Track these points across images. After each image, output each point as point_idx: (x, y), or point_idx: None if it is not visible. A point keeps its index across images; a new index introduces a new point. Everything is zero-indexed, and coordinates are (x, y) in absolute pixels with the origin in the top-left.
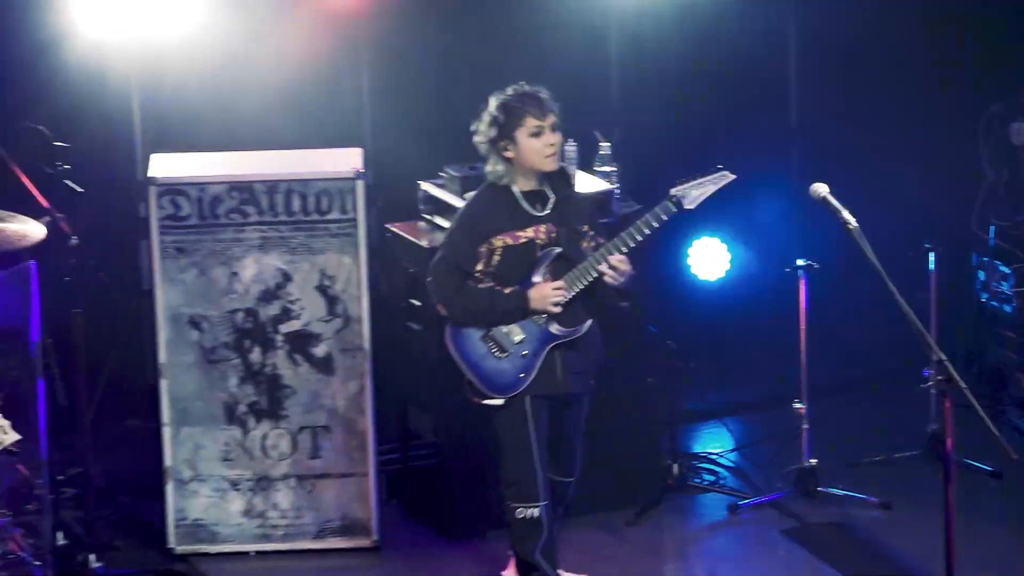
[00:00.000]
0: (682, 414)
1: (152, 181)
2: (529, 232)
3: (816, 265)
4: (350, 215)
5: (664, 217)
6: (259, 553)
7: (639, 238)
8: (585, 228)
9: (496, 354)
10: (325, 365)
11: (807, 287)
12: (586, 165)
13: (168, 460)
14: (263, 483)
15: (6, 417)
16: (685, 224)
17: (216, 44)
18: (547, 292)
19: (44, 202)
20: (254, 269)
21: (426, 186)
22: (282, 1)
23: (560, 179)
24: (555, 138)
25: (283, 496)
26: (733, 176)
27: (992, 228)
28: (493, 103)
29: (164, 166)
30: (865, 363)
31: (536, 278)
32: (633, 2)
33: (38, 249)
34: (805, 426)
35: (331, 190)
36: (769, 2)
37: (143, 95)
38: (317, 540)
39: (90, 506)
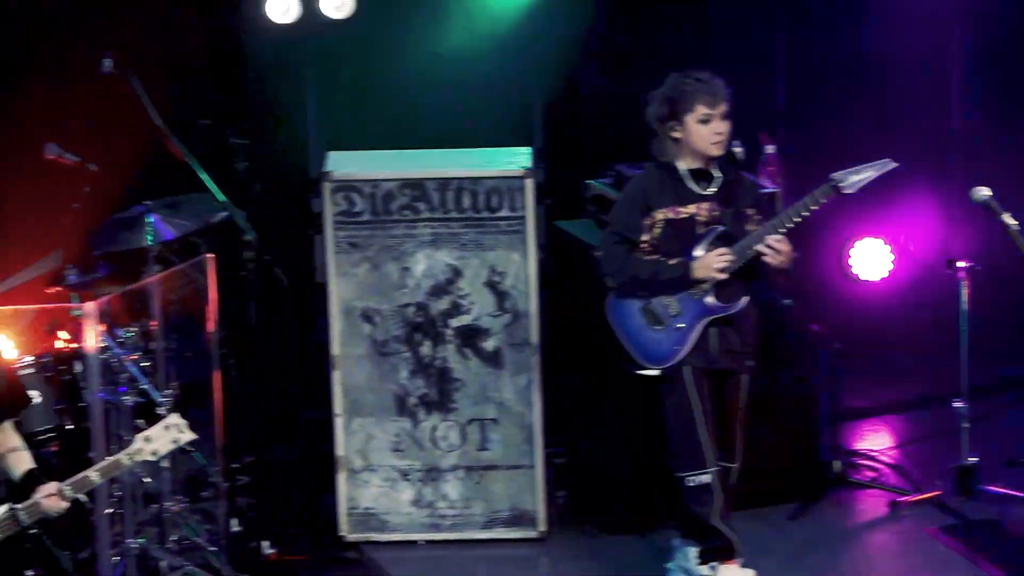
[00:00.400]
0: (843, 412)
1: (327, 177)
2: (691, 208)
3: (978, 267)
4: (519, 212)
5: (822, 200)
6: (428, 542)
7: (797, 219)
8: (751, 211)
9: (653, 327)
10: (494, 359)
11: (967, 287)
12: (751, 166)
13: (340, 450)
14: (432, 473)
15: (184, 405)
16: (848, 225)
17: (388, 41)
18: (711, 260)
19: (221, 198)
20: (425, 264)
21: (594, 184)
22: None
23: (728, 161)
24: (723, 126)
25: (452, 487)
26: (895, 164)
27: None
28: (669, 83)
29: (339, 163)
30: None
31: (697, 252)
32: (801, 5)
33: (216, 243)
34: (965, 424)
35: (501, 188)
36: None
37: (318, 93)
38: (485, 530)
39: (264, 493)
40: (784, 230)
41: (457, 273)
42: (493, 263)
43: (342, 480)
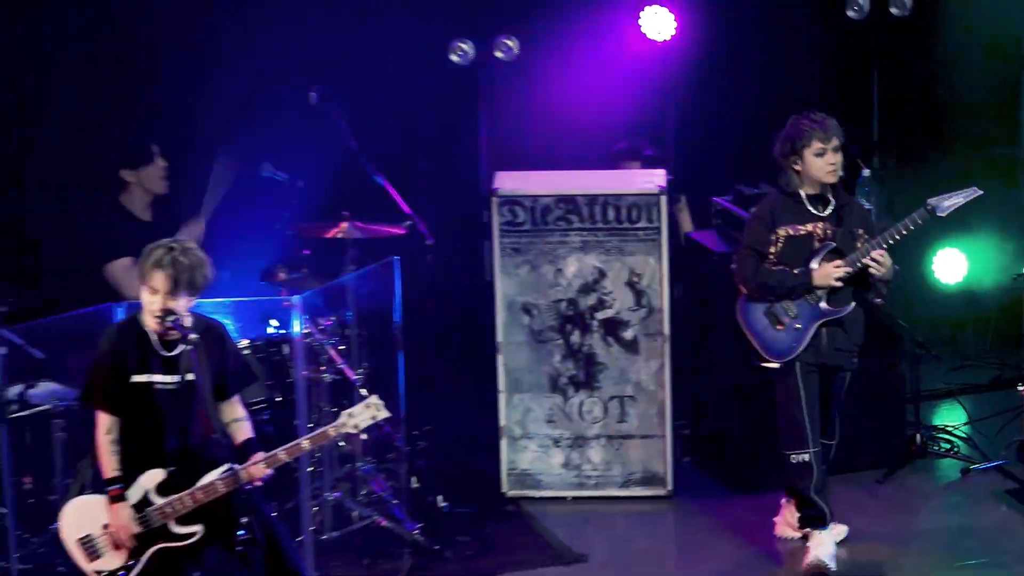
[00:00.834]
0: (924, 393)
1: (495, 193)
2: (809, 227)
3: None
4: (655, 224)
5: (919, 221)
6: (575, 498)
7: (898, 237)
8: (860, 231)
9: (775, 326)
10: (632, 346)
11: None
12: (848, 189)
13: (503, 420)
14: (579, 441)
15: (372, 382)
16: (930, 237)
17: (548, 79)
18: (830, 270)
19: (406, 209)
20: (575, 267)
21: (720, 201)
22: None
23: (842, 188)
24: (836, 158)
25: (595, 452)
26: (980, 192)
27: None
28: (789, 124)
29: (505, 181)
30: None
31: (814, 264)
32: (895, 41)
33: (401, 247)
34: None
35: (639, 203)
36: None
37: (489, 120)
38: (622, 489)
39: (439, 456)
40: (886, 246)
41: (602, 274)
42: (632, 266)
43: (504, 446)
